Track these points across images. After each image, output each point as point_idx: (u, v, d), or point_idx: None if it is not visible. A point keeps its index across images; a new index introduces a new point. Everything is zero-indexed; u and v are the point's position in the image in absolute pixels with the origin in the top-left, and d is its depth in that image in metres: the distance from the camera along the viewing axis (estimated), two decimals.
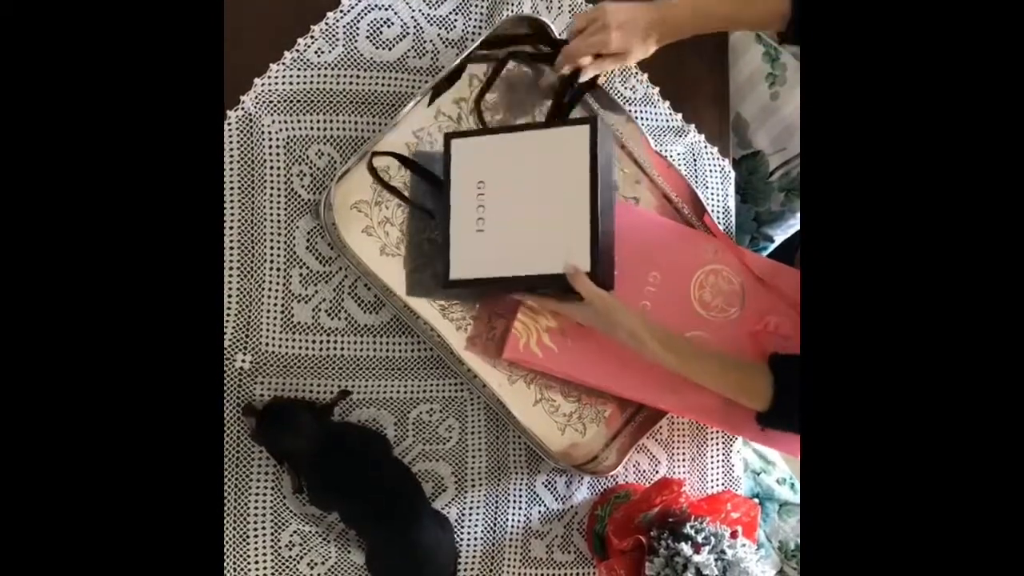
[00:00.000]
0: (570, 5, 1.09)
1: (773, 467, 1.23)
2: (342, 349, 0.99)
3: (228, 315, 0.96)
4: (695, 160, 1.13)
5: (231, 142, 0.98)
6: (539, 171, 0.94)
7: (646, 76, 1.12)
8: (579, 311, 0.95)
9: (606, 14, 0.93)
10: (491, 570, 1.02)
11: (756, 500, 1.11)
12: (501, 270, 0.95)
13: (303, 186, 0.99)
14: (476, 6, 1.07)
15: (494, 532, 1.03)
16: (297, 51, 1.00)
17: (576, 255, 0.91)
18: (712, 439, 1.11)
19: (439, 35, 1.05)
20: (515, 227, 0.95)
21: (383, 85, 1.02)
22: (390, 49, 1.03)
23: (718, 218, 1.12)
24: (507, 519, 1.03)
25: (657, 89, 1.12)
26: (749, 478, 1.18)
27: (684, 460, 1.10)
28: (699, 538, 0.86)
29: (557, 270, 0.92)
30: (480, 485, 1.03)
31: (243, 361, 0.96)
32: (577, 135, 0.93)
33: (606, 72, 1.02)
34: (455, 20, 1.06)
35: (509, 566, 1.03)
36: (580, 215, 0.92)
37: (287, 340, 0.98)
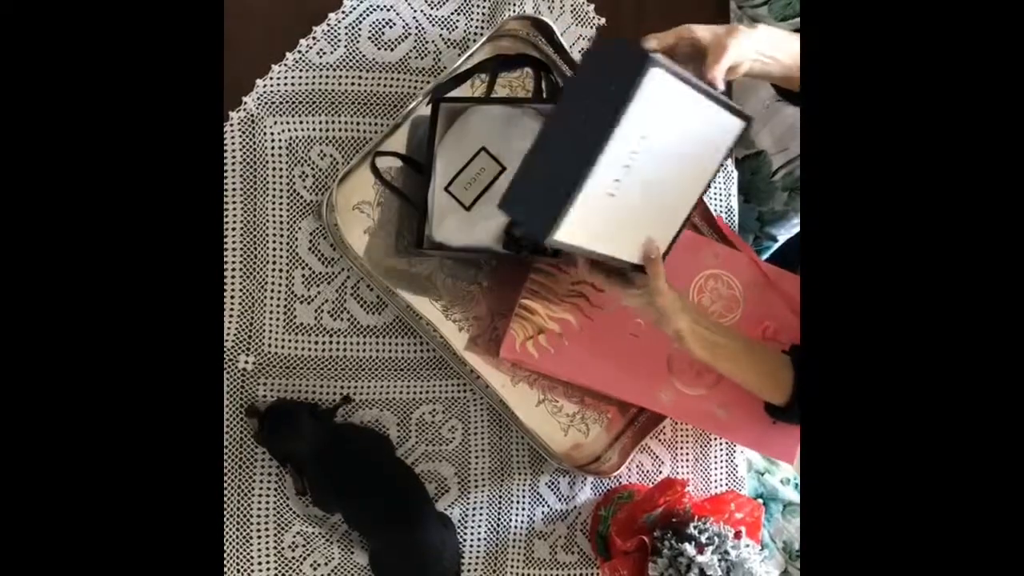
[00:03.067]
0: (572, 5, 1.09)
1: (777, 467, 1.22)
2: (345, 350, 0.99)
3: (231, 316, 0.96)
4: None
5: (233, 143, 0.98)
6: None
7: None
8: (635, 297, 0.88)
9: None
10: (495, 571, 1.02)
11: (760, 500, 1.11)
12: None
13: (305, 187, 0.99)
14: (478, 6, 1.07)
15: (497, 533, 1.03)
16: (299, 52, 1.01)
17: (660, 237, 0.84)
18: (716, 439, 1.11)
19: (441, 36, 1.05)
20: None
21: (385, 86, 1.03)
22: (392, 50, 1.03)
23: (721, 218, 1.12)
24: (510, 520, 1.03)
25: None
26: (753, 478, 1.18)
27: (688, 460, 1.10)
28: (703, 539, 0.86)
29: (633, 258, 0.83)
30: (483, 486, 1.03)
31: (246, 362, 0.96)
32: None
33: None
34: (457, 21, 1.06)
35: (512, 567, 1.03)
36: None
37: (290, 341, 0.98)
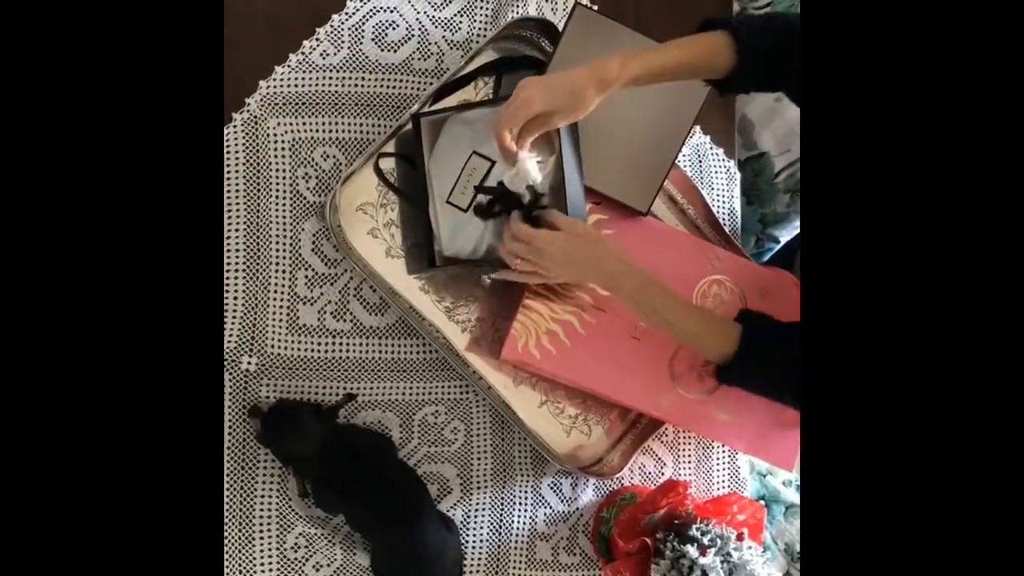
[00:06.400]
0: None
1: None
2: (347, 351, 0.99)
3: (234, 317, 0.96)
4: (700, 161, 1.13)
5: (236, 145, 0.98)
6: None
7: None
8: (563, 241, 0.89)
9: (526, 81, 0.86)
10: (496, 572, 1.02)
11: (762, 502, 1.11)
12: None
13: (308, 188, 0.99)
14: (481, 8, 1.07)
15: (499, 534, 1.03)
16: (302, 54, 1.01)
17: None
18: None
19: (444, 37, 1.05)
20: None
21: (388, 87, 1.03)
22: (395, 51, 1.03)
23: (723, 219, 1.12)
24: (512, 521, 1.03)
25: None
26: (755, 480, 1.18)
27: (690, 462, 1.10)
28: (705, 540, 0.86)
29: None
30: (485, 487, 1.03)
31: (249, 363, 0.96)
32: None
33: None
34: (460, 22, 1.06)
35: (515, 568, 1.03)
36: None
37: (293, 342, 0.98)
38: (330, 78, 1.01)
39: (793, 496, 1.22)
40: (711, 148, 1.14)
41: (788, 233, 1.35)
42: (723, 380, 0.91)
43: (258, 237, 0.98)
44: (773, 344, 0.87)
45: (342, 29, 1.02)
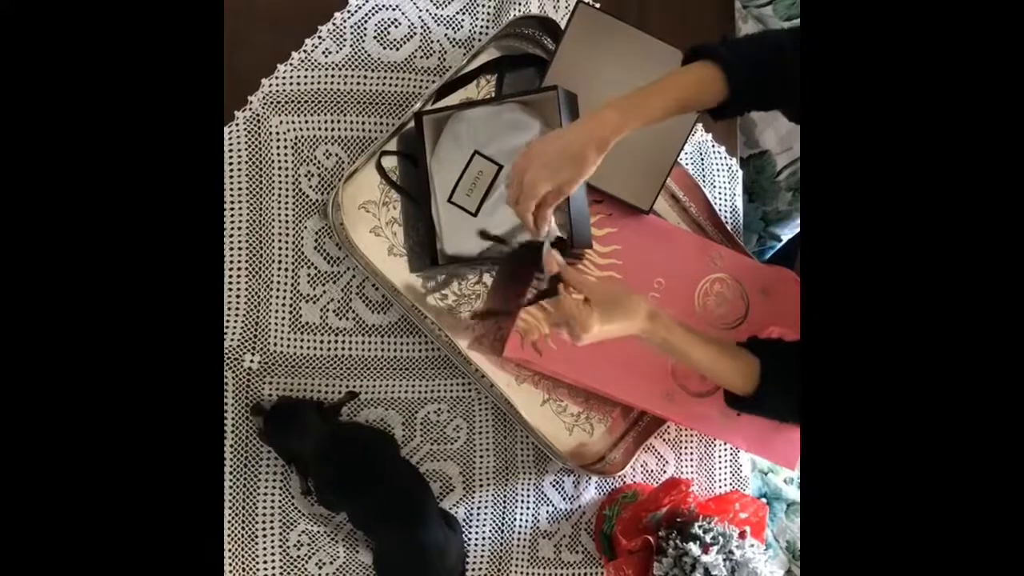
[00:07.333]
0: None
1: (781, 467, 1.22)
2: (350, 349, 0.99)
3: (236, 315, 0.97)
4: (702, 159, 1.13)
5: (239, 143, 0.98)
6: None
7: None
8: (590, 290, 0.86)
9: (524, 161, 0.83)
10: (499, 570, 1.02)
11: (764, 500, 1.11)
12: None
13: (311, 186, 0.99)
14: (483, 6, 1.07)
15: (502, 532, 1.03)
16: (304, 51, 1.01)
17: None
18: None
19: (446, 35, 1.05)
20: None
21: (390, 85, 1.03)
22: (397, 49, 1.03)
23: (725, 217, 1.12)
24: (515, 519, 1.03)
25: None
26: (757, 478, 1.18)
27: (692, 460, 1.10)
28: (707, 538, 0.86)
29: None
30: (488, 485, 1.03)
31: (251, 361, 0.97)
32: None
33: None
34: (462, 20, 1.06)
35: (517, 566, 1.03)
36: None
37: (295, 340, 0.98)
38: (332, 76, 1.01)
39: (795, 494, 1.21)
40: (713, 146, 1.14)
41: (790, 231, 1.34)
42: (740, 411, 0.91)
43: (260, 235, 0.98)
44: (791, 375, 0.86)
45: (344, 27, 1.02)
